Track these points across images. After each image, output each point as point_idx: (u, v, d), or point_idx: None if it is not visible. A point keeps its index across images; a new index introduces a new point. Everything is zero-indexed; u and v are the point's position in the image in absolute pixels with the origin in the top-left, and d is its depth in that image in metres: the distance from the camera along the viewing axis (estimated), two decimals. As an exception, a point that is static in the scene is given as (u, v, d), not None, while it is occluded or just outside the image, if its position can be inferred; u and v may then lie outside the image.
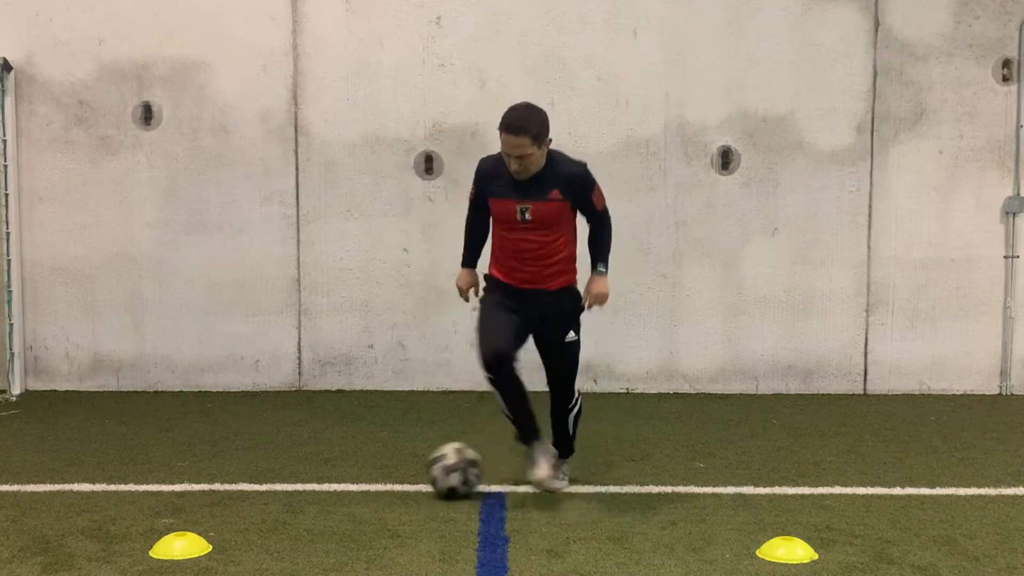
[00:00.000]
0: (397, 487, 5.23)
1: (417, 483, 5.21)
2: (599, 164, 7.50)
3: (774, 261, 7.64)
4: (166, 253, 7.65)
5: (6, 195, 7.39)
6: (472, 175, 5.13)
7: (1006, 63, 7.52)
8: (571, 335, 5.09)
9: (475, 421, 6.71)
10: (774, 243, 7.64)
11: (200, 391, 7.69)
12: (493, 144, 5.46)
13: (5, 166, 7.37)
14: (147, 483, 5.30)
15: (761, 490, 5.23)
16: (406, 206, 7.60)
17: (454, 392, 7.54)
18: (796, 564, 4.19)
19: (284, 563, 4.18)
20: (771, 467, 5.68)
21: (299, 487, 5.24)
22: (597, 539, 4.48)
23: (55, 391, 7.66)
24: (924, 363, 7.70)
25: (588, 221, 5.06)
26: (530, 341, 5.10)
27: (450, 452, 5.08)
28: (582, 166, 4.96)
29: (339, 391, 7.71)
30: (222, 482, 5.33)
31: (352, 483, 5.30)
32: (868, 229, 7.63)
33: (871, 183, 7.60)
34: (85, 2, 7.50)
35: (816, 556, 4.26)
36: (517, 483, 5.30)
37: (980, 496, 5.15)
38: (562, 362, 5.13)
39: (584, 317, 5.20)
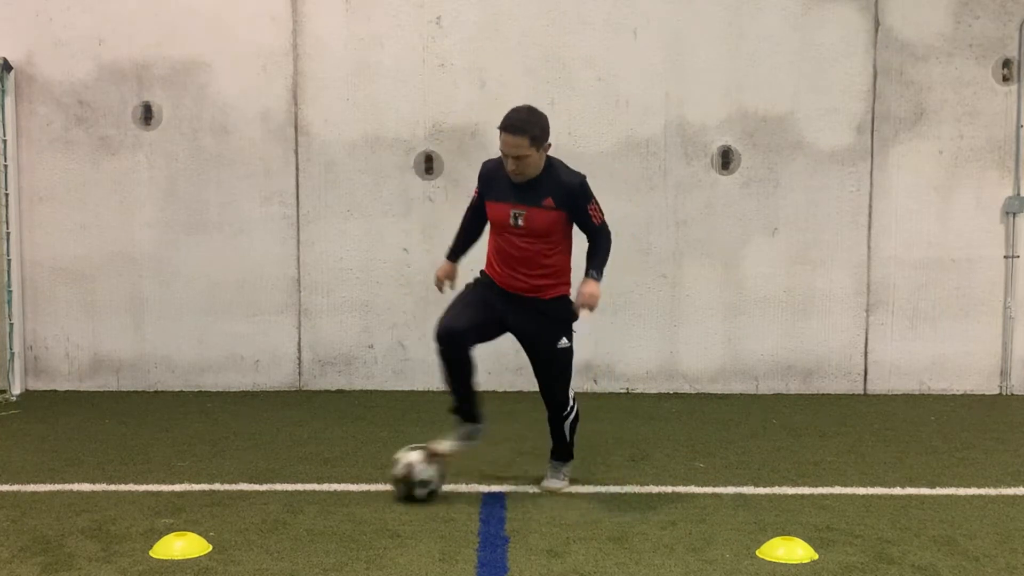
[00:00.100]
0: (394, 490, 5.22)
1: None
2: (599, 164, 7.53)
3: (774, 261, 7.64)
4: (166, 253, 7.65)
5: (6, 195, 7.39)
6: (472, 175, 5.16)
7: (1006, 63, 7.52)
8: (563, 342, 5.03)
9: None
10: (774, 243, 7.64)
11: (200, 391, 7.69)
12: (493, 144, 5.48)
13: (5, 166, 7.37)
14: (147, 483, 5.30)
15: (761, 490, 5.23)
16: (406, 206, 7.60)
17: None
18: (796, 564, 4.19)
19: (284, 563, 4.19)
20: (771, 467, 5.68)
21: (299, 487, 5.24)
22: (597, 539, 4.48)
23: (55, 391, 7.66)
24: (924, 363, 7.70)
25: (587, 237, 5.03)
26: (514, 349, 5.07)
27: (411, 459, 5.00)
28: (580, 177, 4.93)
29: (339, 391, 7.71)
30: (222, 482, 5.33)
31: (352, 483, 5.30)
32: (868, 229, 7.63)
33: (871, 183, 7.60)
34: (85, 2, 7.50)
35: (816, 556, 4.26)
36: (517, 483, 5.31)
37: (980, 496, 5.15)
38: (552, 370, 5.05)
39: (581, 315, 5.17)
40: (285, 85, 7.57)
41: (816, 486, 5.30)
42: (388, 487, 5.22)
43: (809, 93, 7.55)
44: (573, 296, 5.06)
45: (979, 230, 7.62)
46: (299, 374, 7.75)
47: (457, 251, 5.28)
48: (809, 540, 4.39)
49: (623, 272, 7.64)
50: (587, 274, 5.00)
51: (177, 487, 5.24)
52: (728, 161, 7.60)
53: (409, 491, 4.96)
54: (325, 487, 5.24)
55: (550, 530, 4.58)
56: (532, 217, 4.85)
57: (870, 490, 5.24)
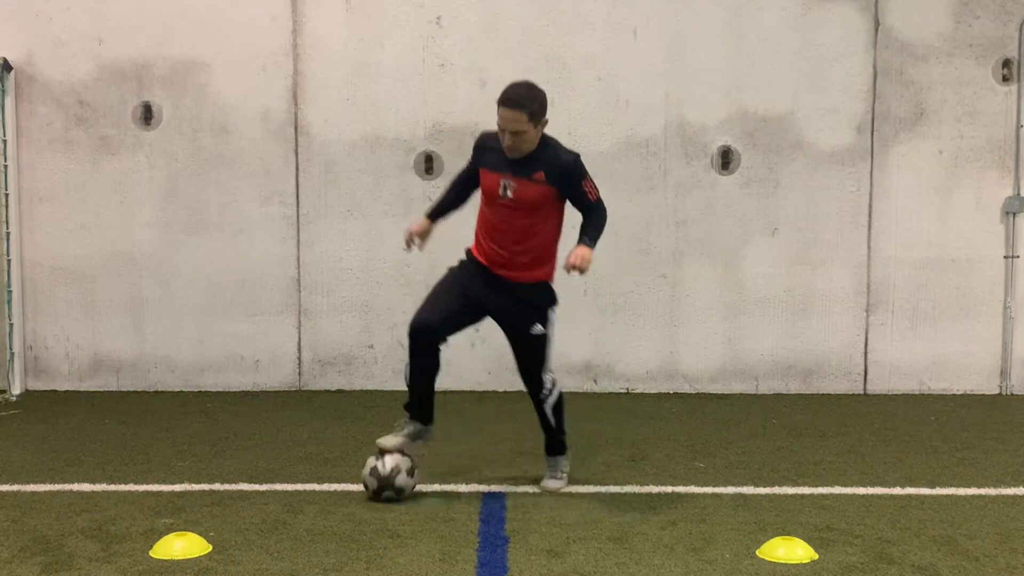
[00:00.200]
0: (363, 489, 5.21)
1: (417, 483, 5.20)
2: (599, 164, 7.52)
3: (774, 261, 7.64)
4: (166, 253, 7.65)
5: (6, 195, 7.39)
6: None
7: (1006, 63, 7.52)
8: (537, 328, 5.01)
9: (475, 421, 6.71)
10: (774, 243, 7.64)
11: (200, 391, 7.69)
12: (493, 144, 5.45)
13: (5, 166, 7.37)
14: (147, 483, 5.30)
15: (761, 490, 5.23)
16: (406, 206, 7.60)
17: (454, 392, 7.53)
18: (796, 564, 4.18)
19: (284, 563, 4.18)
20: (771, 467, 5.68)
21: (299, 487, 5.24)
22: (597, 539, 4.48)
23: (55, 391, 7.66)
24: (924, 363, 7.70)
25: (583, 215, 5.01)
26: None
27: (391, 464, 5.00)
28: (574, 155, 4.92)
29: (339, 391, 7.71)
30: (222, 482, 5.33)
31: (352, 483, 5.29)
32: (868, 229, 7.63)
33: (871, 183, 7.60)
34: (85, 2, 7.50)
35: (816, 556, 4.26)
36: (517, 483, 5.30)
37: (980, 496, 5.15)
38: (527, 354, 5.08)
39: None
40: (285, 85, 7.57)
41: (816, 486, 5.30)
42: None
43: (809, 93, 7.55)
44: (564, 282, 5.08)
45: (979, 230, 7.62)
46: (299, 374, 7.75)
47: (437, 212, 5.23)
48: (809, 540, 4.39)
49: (623, 272, 7.65)
50: (580, 240, 4.94)
51: (177, 487, 5.23)
52: (728, 161, 7.60)
53: (381, 492, 4.93)
54: (325, 487, 5.24)
55: (550, 530, 4.58)
56: (521, 189, 4.84)
57: (870, 490, 5.24)
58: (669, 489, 5.23)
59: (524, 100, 4.74)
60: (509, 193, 4.85)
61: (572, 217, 5.04)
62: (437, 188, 7.58)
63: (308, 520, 4.71)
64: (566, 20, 7.52)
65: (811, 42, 7.52)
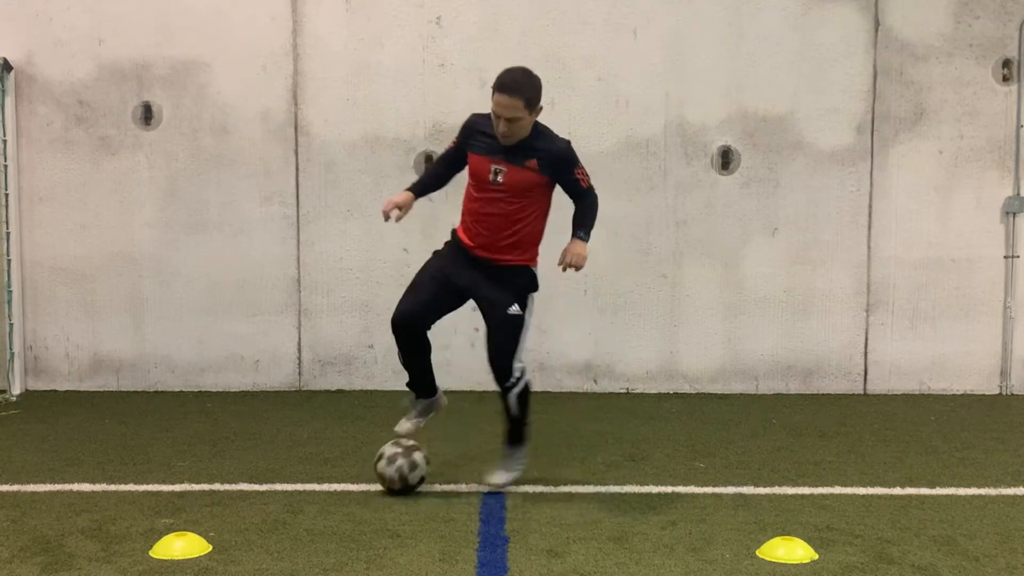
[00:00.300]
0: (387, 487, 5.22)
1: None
2: (599, 164, 7.53)
3: (774, 261, 7.64)
4: (166, 253, 7.65)
5: (6, 195, 7.39)
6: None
7: (1006, 63, 7.52)
8: (514, 308, 4.94)
9: (475, 421, 6.70)
10: (774, 243, 7.64)
11: (200, 391, 7.69)
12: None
13: (5, 166, 7.37)
14: (147, 483, 5.30)
15: (761, 490, 5.23)
16: (411, 207, 7.57)
17: (454, 392, 7.51)
18: (796, 564, 4.19)
19: (284, 563, 4.18)
20: (771, 467, 5.68)
21: (299, 487, 5.24)
22: (597, 539, 4.48)
23: (55, 391, 7.66)
24: (924, 363, 7.70)
25: (575, 202, 5.01)
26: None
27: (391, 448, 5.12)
28: (566, 143, 4.92)
29: (339, 391, 7.71)
30: (222, 482, 5.33)
31: (352, 483, 5.30)
32: (868, 229, 7.63)
33: (871, 183, 7.60)
34: (85, 2, 7.50)
35: (816, 556, 4.26)
36: (517, 483, 5.30)
37: (980, 496, 5.15)
38: (500, 335, 4.94)
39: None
40: (285, 85, 7.57)
41: (816, 486, 5.30)
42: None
43: (809, 93, 7.55)
44: (556, 266, 5.03)
45: (979, 230, 7.62)
46: (299, 374, 7.75)
47: (420, 189, 5.16)
48: (809, 540, 4.39)
49: (623, 272, 7.65)
50: (574, 234, 4.96)
51: (177, 487, 5.23)
52: (728, 161, 7.60)
53: (405, 488, 5.03)
54: (325, 487, 5.24)
55: (550, 530, 4.58)
56: (512, 175, 4.83)
57: (870, 490, 5.24)
58: (669, 489, 5.23)
59: (521, 86, 4.73)
60: (500, 179, 4.84)
61: (559, 203, 5.04)
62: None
63: (308, 520, 4.71)
64: (566, 20, 7.52)
65: (811, 42, 7.52)
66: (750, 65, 7.54)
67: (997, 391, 7.72)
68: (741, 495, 5.14)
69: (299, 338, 7.72)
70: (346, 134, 7.58)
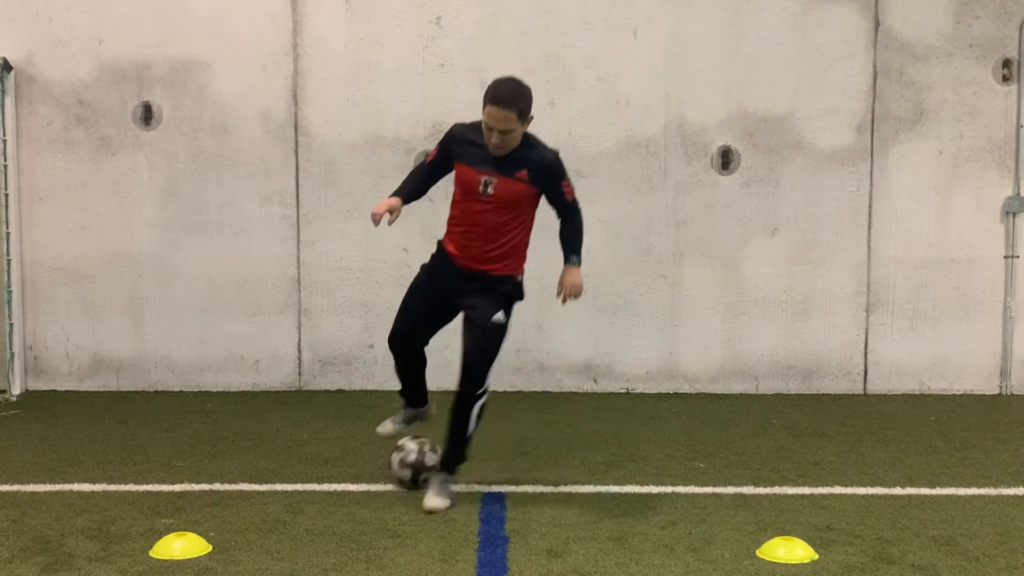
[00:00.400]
0: (397, 487, 5.22)
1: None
2: (599, 164, 7.54)
3: (774, 261, 7.64)
4: (166, 253, 7.65)
5: (6, 195, 7.39)
6: None
7: (1006, 63, 7.53)
8: (499, 316, 4.87)
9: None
10: (774, 243, 7.64)
11: (200, 391, 7.69)
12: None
13: (5, 166, 7.37)
14: (147, 483, 5.30)
15: (761, 490, 5.23)
16: (406, 206, 7.57)
17: (454, 392, 7.53)
18: (796, 564, 4.19)
19: (284, 563, 4.18)
20: (771, 467, 5.68)
21: (299, 487, 5.24)
22: (597, 539, 4.48)
23: (55, 391, 7.66)
24: (924, 363, 7.70)
25: (559, 214, 4.98)
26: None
27: (414, 448, 5.17)
28: (555, 154, 4.90)
29: (339, 391, 7.71)
30: (222, 482, 5.32)
31: (352, 483, 5.30)
32: (868, 229, 7.63)
33: (871, 183, 7.60)
34: (85, 2, 7.50)
35: (816, 556, 4.26)
36: (517, 483, 5.30)
37: (980, 496, 5.15)
38: (480, 341, 4.84)
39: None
40: (285, 85, 7.57)
41: (816, 486, 5.30)
42: (388, 487, 5.23)
43: (809, 93, 7.55)
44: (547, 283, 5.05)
45: (979, 230, 7.62)
46: (299, 374, 7.75)
47: (405, 195, 5.02)
48: (809, 540, 4.39)
49: (623, 272, 7.65)
50: (568, 260, 4.96)
51: (177, 487, 5.23)
52: (728, 161, 7.60)
53: (419, 477, 5.11)
54: (325, 487, 5.24)
55: (550, 530, 4.58)
56: (502, 187, 4.80)
57: (870, 490, 5.24)
58: (669, 489, 5.23)
59: (515, 98, 4.70)
60: (490, 190, 4.81)
61: (544, 214, 5.03)
62: (437, 188, 7.53)
63: (308, 520, 4.71)
64: (566, 20, 7.52)
65: (811, 42, 7.52)
66: (750, 65, 7.54)
67: (997, 391, 7.72)
68: (741, 495, 5.14)
69: (299, 338, 7.72)
70: (346, 134, 7.58)
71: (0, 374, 7.46)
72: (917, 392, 7.71)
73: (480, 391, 4.88)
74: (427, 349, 5.13)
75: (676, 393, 7.70)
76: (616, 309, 7.68)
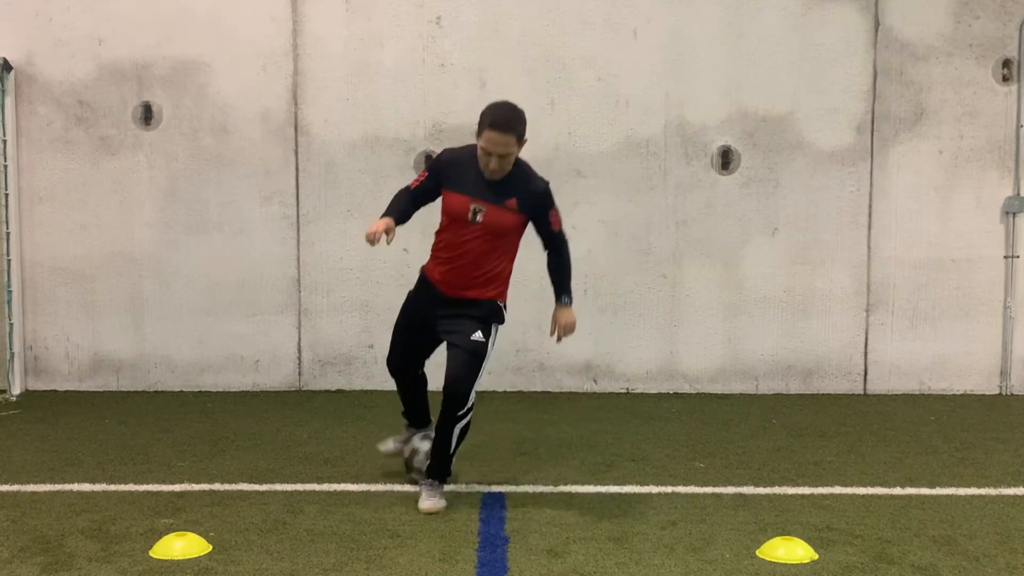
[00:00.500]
0: (397, 487, 5.22)
1: (417, 483, 5.20)
2: (599, 164, 7.54)
3: (774, 261, 7.64)
4: (166, 253, 7.65)
5: (6, 195, 7.39)
6: None
7: (1006, 63, 7.53)
8: (478, 335, 4.87)
9: (474, 421, 6.69)
10: (774, 243, 7.64)
11: (200, 391, 7.69)
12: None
13: (5, 166, 7.37)
14: (147, 483, 5.30)
15: (761, 490, 5.23)
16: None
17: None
18: (796, 564, 4.19)
19: (284, 563, 4.19)
20: (771, 467, 5.68)
21: (299, 487, 5.24)
22: (597, 539, 4.48)
23: (55, 391, 7.66)
24: (924, 363, 7.70)
25: (545, 245, 4.98)
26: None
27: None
28: (545, 183, 4.90)
29: (339, 391, 7.71)
30: (222, 482, 5.33)
31: (352, 483, 5.30)
32: (868, 229, 7.63)
33: (871, 183, 7.60)
34: (85, 2, 7.50)
35: (816, 556, 4.27)
36: (517, 483, 5.30)
37: (980, 496, 5.15)
38: (462, 360, 4.83)
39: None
40: (285, 85, 7.57)
41: (816, 486, 5.30)
42: (388, 487, 5.23)
43: (809, 93, 7.55)
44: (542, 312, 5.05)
45: (979, 230, 7.62)
46: (299, 374, 7.75)
47: (396, 217, 4.91)
48: (809, 540, 4.39)
49: (623, 272, 7.65)
50: (560, 300, 5.02)
51: (177, 487, 5.23)
52: (728, 161, 7.60)
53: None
54: (325, 487, 5.24)
55: (550, 530, 4.58)
56: (492, 215, 4.79)
57: (870, 490, 5.24)
58: (669, 489, 5.23)
59: (513, 123, 4.70)
60: (479, 218, 4.80)
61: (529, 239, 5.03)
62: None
63: (308, 520, 4.71)
64: (566, 20, 7.52)
65: (811, 42, 7.52)
66: (750, 65, 7.54)
67: (997, 391, 7.73)
68: (741, 495, 5.14)
69: (299, 338, 7.72)
70: (346, 134, 7.58)
71: (0, 374, 7.46)
72: (917, 392, 7.71)
73: (463, 411, 4.89)
74: (431, 351, 5.15)
75: (676, 393, 7.70)
76: (616, 309, 7.68)
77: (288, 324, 7.71)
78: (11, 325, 7.42)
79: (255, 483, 5.31)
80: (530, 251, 5.13)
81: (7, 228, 7.40)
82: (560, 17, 7.52)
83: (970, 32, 7.50)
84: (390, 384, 7.65)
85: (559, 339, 5.08)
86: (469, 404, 4.88)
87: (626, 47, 7.53)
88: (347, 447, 6.08)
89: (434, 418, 5.16)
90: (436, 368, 5.37)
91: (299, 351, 7.73)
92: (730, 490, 5.22)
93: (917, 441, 6.30)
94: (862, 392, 7.72)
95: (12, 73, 7.44)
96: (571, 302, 5.04)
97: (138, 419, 6.80)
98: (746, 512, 4.86)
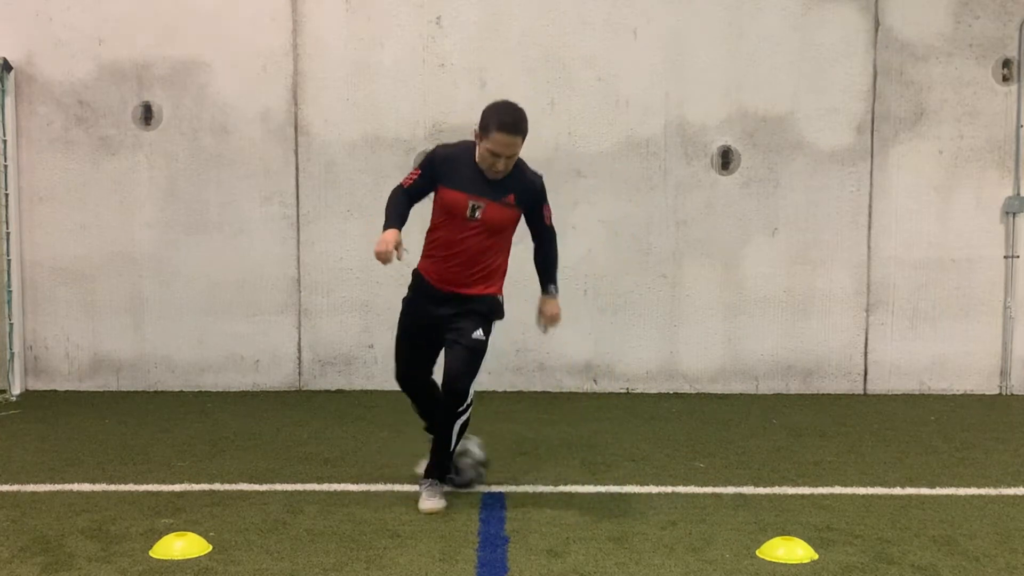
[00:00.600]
0: (397, 487, 5.22)
1: (417, 483, 5.19)
2: (599, 164, 7.54)
3: (774, 261, 7.64)
4: (166, 253, 7.65)
5: (6, 195, 7.39)
6: None
7: (1006, 63, 7.53)
8: (478, 333, 4.88)
9: (474, 421, 6.69)
10: (774, 243, 7.64)
11: (200, 391, 7.69)
12: (493, 144, 5.44)
13: (5, 166, 7.37)
14: (147, 483, 5.30)
15: (761, 490, 5.23)
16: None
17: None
18: (796, 564, 4.18)
19: (284, 563, 4.18)
20: (771, 467, 5.68)
21: (299, 487, 5.24)
22: (597, 539, 4.48)
23: (55, 391, 7.66)
24: (924, 363, 7.70)
25: (535, 236, 4.99)
26: None
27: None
28: (540, 177, 4.92)
29: (339, 391, 7.71)
30: (222, 482, 5.32)
31: (352, 483, 5.30)
32: (868, 229, 7.63)
33: (871, 183, 7.60)
34: (85, 2, 7.50)
35: (816, 556, 4.26)
36: (517, 483, 5.30)
37: (980, 496, 5.15)
38: (461, 360, 4.84)
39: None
40: (285, 85, 7.57)
41: (816, 486, 5.30)
42: (388, 487, 5.23)
43: (809, 93, 7.55)
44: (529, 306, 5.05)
45: (979, 230, 7.62)
46: (299, 374, 7.75)
47: (399, 224, 4.88)
48: (809, 540, 4.39)
49: (623, 272, 7.65)
50: (546, 290, 5.02)
51: (177, 487, 5.23)
52: (728, 161, 7.60)
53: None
54: (325, 487, 5.24)
55: (550, 530, 4.58)
56: (491, 211, 4.80)
57: (870, 490, 5.24)
58: (669, 489, 5.23)
59: (520, 124, 4.70)
60: (478, 215, 4.79)
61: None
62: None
63: (308, 520, 4.71)
64: (566, 20, 7.52)
65: (811, 42, 7.52)
66: (750, 65, 7.54)
67: (997, 391, 7.73)
68: (741, 495, 5.14)
69: (299, 338, 7.72)
70: (346, 134, 7.58)
71: (0, 374, 7.46)
72: (917, 392, 7.71)
73: (462, 408, 4.89)
74: (438, 355, 5.12)
75: (676, 393, 7.70)
76: (616, 309, 7.68)
77: (288, 324, 7.71)
78: (11, 325, 7.42)
79: (255, 483, 5.31)
80: (530, 251, 5.12)
81: (7, 228, 7.40)
82: (560, 17, 7.52)
83: (970, 32, 7.50)
84: (390, 384, 7.65)
85: (545, 330, 5.08)
86: (469, 400, 4.89)
87: (626, 47, 7.53)
88: (347, 447, 6.08)
89: None
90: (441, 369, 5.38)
91: (299, 351, 7.74)
92: (730, 490, 5.22)
93: (917, 441, 6.30)
94: (862, 392, 7.72)
95: (12, 73, 7.44)
96: (557, 292, 5.04)
97: (138, 419, 6.80)
98: (746, 512, 4.86)
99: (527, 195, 4.85)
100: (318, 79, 7.55)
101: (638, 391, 7.72)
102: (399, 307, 4.92)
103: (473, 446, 5.22)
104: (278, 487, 5.24)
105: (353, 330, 7.71)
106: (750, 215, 7.63)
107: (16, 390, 7.43)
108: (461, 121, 7.51)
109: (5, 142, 7.37)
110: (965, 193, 7.61)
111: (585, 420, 6.81)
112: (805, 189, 7.60)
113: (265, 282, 7.68)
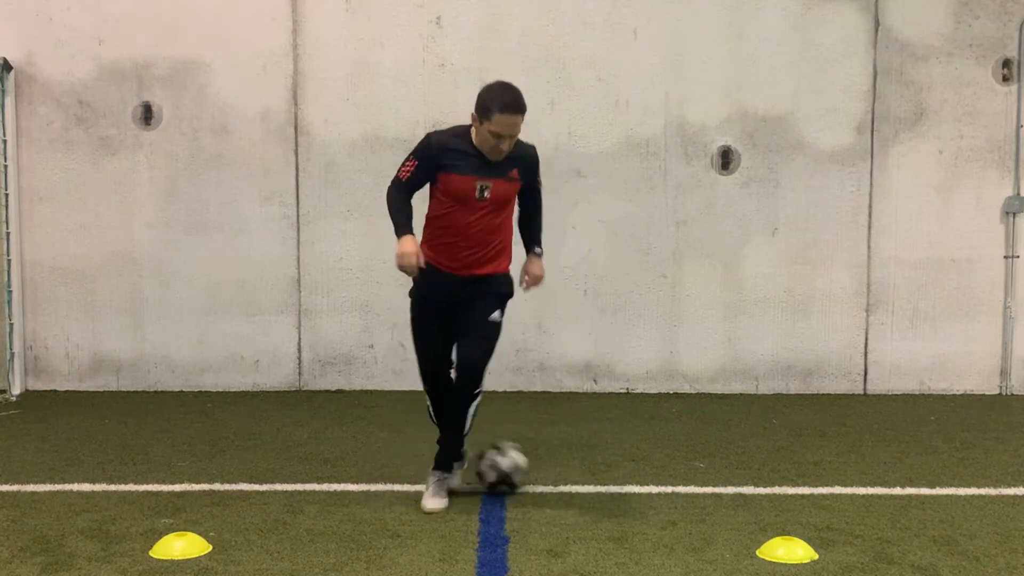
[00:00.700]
0: (397, 487, 5.23)
1: (417, 483, 5.20)
2: (599, 164, 7.54)
3: (774, 261, 7.64)
4: (166, 253, 7.65)
5: (6, 195, 7.39)
6: None
7: (1006, 63, 7.53)
8: (495, 315, 4.91)
9: (476, 421, 6.69)
10: (774, 243, 7.64)
11: (200, 391, 7.69)
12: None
13: (5, 166, 7.37)
14: (147, 483, 5.30)
15: (761, 490, 5.23)
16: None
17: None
18: (796, 564, 4.18)
19: (284, 563, 4.18)
20: (771, 467, 5.68)
21: (299, 487, 5.24)
22: (597, 539, 4.48)
23: (55, 391, 7.67)
24: (924, 363, 7.70)
25: (525, 202, 5.03)
26: None
27: (511, 459, 5.14)
28: (533, 147, 4.99)
29: (339, 391, 7.71)
30: (222, 482, 5.33)
31: (352, 483, 5.30)
32: (868, 229, 7.63)
33: (871, 183, 7.60)
34: (85, 2, 7.50)
35: (816, 556, 4.26)
36: (517, 483, 5.30)
37: (980, 496, 5.15)
38: (479, 342, 4.87)
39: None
40: (285, 85, 7.57)
41: (816, 486, 5.30)
42: (388, 487, 5.23)
43: (809, 93, 7.55)
44: (514, 272, 5.05)
45: (979, 230, 7.62)
46: (299, 374, 7.75)
47: (409, 226, 4.90)
48: (809, 540, 4.39)
49: (623, 272, 7.65)
50: (532, 251, 5.09)
51: (177, 487, 5.23)
52: (728, 161, 7.60)
53: (498, 484, 5.11)
54: (325, 487, 5.24)
55: (550, 530, 4.58)
56: (498, 189, 4.83)
57: (870, 490, 5.24)
58: (669, 489, 5.23)
59: (521, 103, 4.75)
60: (487, 194, 4.81)
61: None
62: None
63: (308, 520, 4.71)
64: (566, 20, 7.52)
65: (811, 42, 7.52)
66: (750, 65, 7.54)
67: (997, 391, 7.73)
68: (741, 495, 5.14)
69: (299, 338, 7.72)
70: (346, 134, 7.58)
71: (0, 374, 7.46)
72: (917, 392, 7.71)
73: (477, 390, 4.95)
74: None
75: (676, 393, 7.70)
76: (616, 309, 7.68)
77: (288, 324, 7.71)
78: (11, 325, 7.42)
79: (255, 483, 5.31)
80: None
81: (7, 228, 7.40)
82: (560, 17, 7.52)
83: (970, 32, 7.50)
84: (390, 384, 7.73)
85: (527, 288, 5.08)
86: (481, 384, 4.97)
87: (626, 47, 7.53)
88: (347, 447, 6.08)
89: None
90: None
91: (299, 351, 7.74)
92: (730, 490, 5.22)
93: (917, 441, 6.30)
94: (862, 392, 7.72)
95: (12, 73, 7.44)
96: (542, 253, 5.10)
97: (138, 419, 6.80)
98: (746, 512, 4.86)
99: (525, 164, 4.91)
100: (318, 79, 7.55)
101: (638, 391, 7.72)
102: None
103: (508, 456, 5.13)
104: (278, 487, 5.24)
105: (353, 330, 7.71)
106: (750, 215, 7.63)
107: (16, 390, 7.43)
108: (461, 121, 7.46)
109: (5, 142, 7.37)
110: (965, 193, 7.61)
111: (585, 420, 6.81)
112: (805, 189, 7.60)
113: (265, 282, 7.68)
